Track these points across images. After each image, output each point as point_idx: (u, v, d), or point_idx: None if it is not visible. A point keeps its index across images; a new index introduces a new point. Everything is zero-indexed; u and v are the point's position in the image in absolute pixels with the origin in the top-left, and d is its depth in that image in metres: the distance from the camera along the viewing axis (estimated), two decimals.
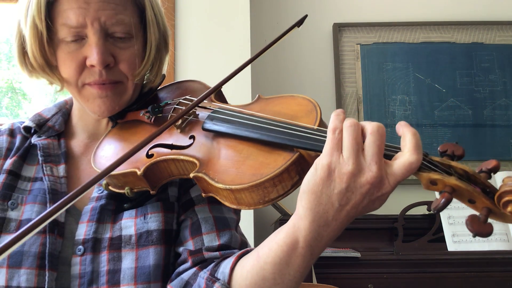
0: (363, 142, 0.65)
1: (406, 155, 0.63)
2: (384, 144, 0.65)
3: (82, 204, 0.93)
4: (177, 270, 0.88)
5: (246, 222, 2.14)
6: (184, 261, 0.88)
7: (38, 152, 0.97)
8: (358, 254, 1.96)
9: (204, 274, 0.82)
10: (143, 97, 1.01)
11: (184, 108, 0.89)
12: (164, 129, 0.75)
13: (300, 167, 0.71)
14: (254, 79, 2.37)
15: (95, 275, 0.86)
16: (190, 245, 0.89)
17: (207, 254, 0.87)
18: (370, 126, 0.65)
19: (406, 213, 2.26)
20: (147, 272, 0.86)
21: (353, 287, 1.94)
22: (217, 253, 0.87)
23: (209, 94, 0.83)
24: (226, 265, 0.81)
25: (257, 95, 0.89)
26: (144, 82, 1.03)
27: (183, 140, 0.84)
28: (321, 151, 0.66)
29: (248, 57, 2.31)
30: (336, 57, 2.72)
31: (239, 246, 0.90)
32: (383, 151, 0.64)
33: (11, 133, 1.02)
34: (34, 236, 0.86)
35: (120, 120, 0.98)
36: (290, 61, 2.74)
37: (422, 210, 2.29)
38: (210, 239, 0.89)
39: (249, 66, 2.28)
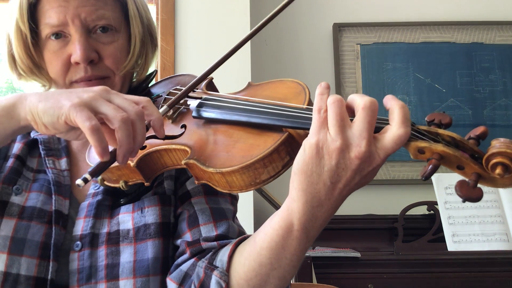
0: (354, 116, 0.64)
1: (394, 128, 0.62)
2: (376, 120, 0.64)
3: (81, 201, 0.93)
4: (175, 262, 0.88)
5: (246, 221, 2.13)
6: (183, 253, 0.88)
7: (40, 146, 0.98)
8: (358, 254, 1.96)
9: (202, 263, 0.83)
10: (134, 93, 1.01)
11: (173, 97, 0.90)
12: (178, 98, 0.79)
13: (290, 148, 0.72)
14: (254, 78, 2.36)
15: (93, 270, 0.86)
16: (188, 236, 0.89)
17: (204, 244, 0.87)
18: (362, 101, 0.64)
19: (406, 213, 2.26)
20: (146, 265, 0.86)
21: (353, 287, 1.94)
22: (215, 243, 0.87)
23: (202, 78, 0.82)
24: (224, 253, 0.81)
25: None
26: (134, 79, 1.04)
27: (175, 130, 0.85)
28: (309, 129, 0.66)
29: (248, 56, 2.33)
30: (336, 57, 2.72)
31: (236, 236, 0.90)
32: (374, 127, 0.63)
33: None
34: (38, 225, 0.87)
35: None
36: (290, 61, 2.74)
37: (422, 210, 2.29)
38: (207, 230, 0.89)
39: (249, 67, 2.30)
